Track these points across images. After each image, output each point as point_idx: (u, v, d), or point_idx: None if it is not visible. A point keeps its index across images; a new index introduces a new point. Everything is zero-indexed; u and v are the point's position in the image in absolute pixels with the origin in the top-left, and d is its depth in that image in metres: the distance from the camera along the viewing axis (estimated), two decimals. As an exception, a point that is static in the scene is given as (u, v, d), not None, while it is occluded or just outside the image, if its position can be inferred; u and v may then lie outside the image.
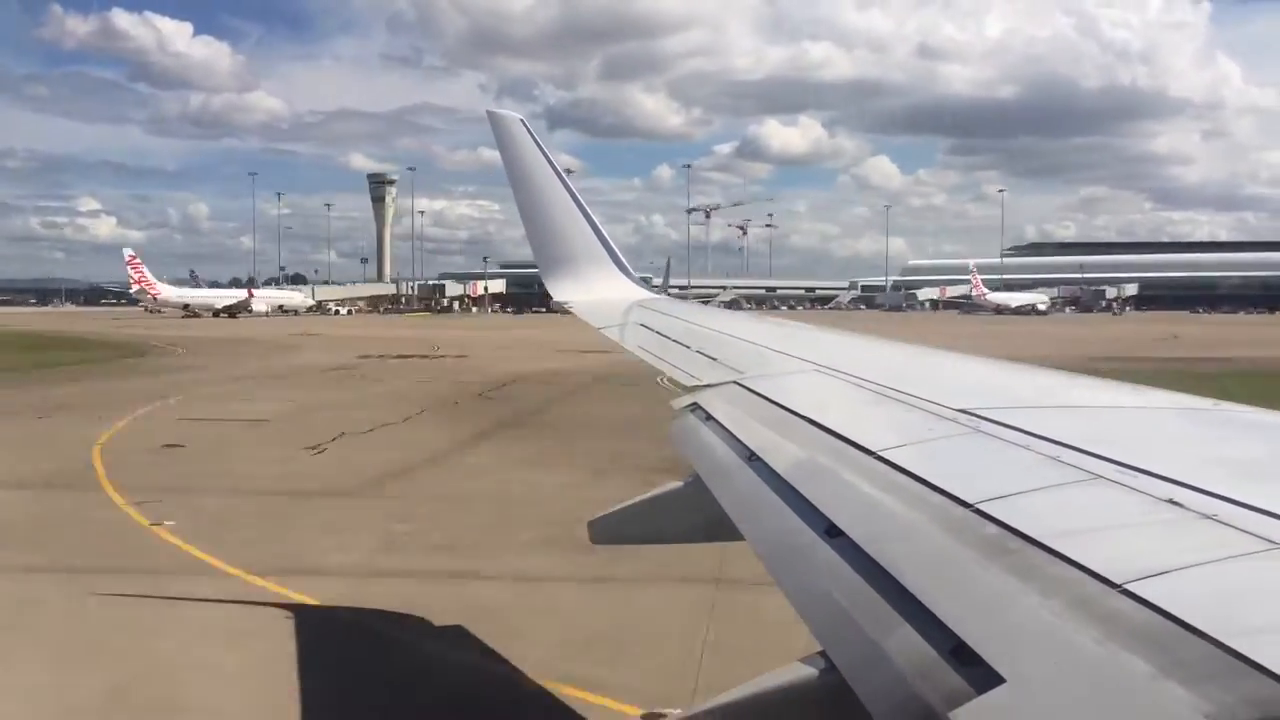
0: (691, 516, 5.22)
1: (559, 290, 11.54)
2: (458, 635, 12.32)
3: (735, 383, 5.96)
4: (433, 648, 12.33)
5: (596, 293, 11.30)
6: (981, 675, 2.03)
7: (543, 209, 11.65)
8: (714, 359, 7.01)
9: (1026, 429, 3.60)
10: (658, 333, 8.81)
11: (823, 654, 2.73)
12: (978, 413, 3.98)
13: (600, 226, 11.88)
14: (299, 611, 13.09)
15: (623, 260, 11.93)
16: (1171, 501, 2.64)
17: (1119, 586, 2.14)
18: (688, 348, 7.79)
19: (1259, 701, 1.64)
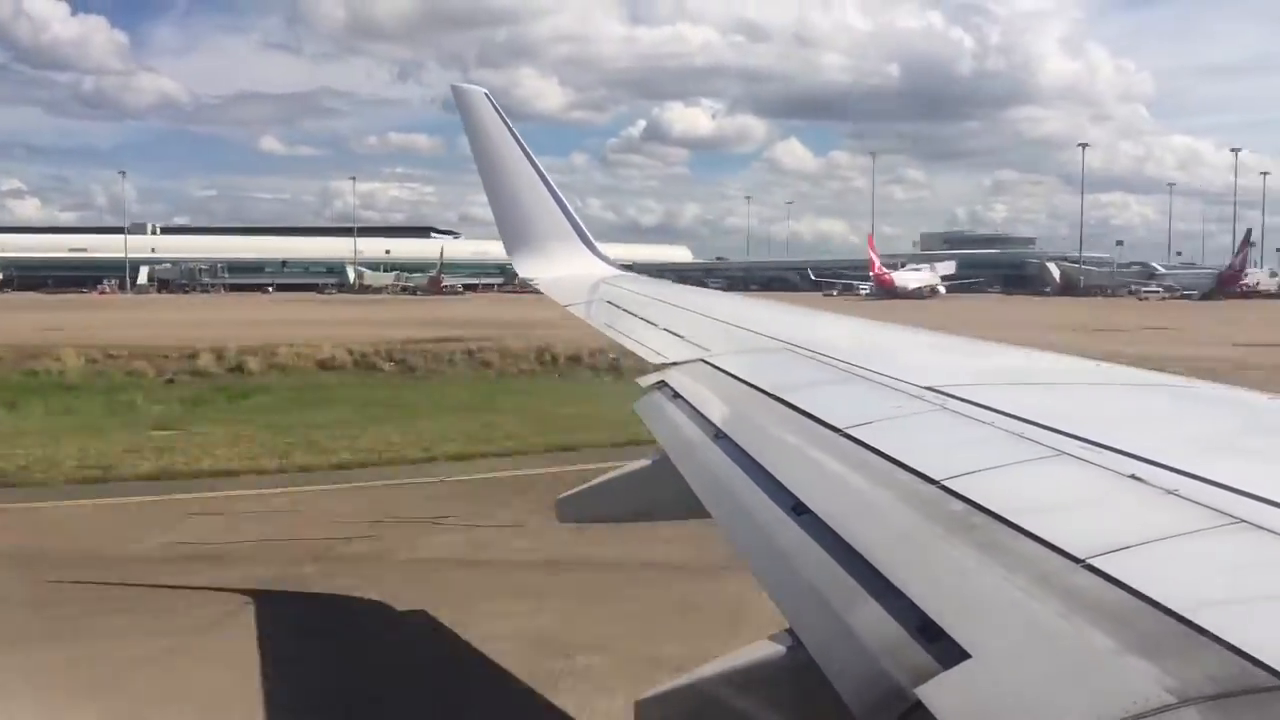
0: (659, 494, 5.22)
1: (525, 267, 11.46)
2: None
3: (702, 360, 5.96)
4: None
5: (563, 270, 11.24)
6: (947, 651, 2.04)
7: (508, 185, 11.55)
8: (681, 336, 7.00)
9: (992, 406, 3.63)
10: (625, 310, 8.79)
11: (790, 631, 2.74)
12: (944, 390, 4.00)
13: (567, 203, 11.80)
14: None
15: (590, 237, 11.87)
16: (1134, 477, 2.67)
17: (1082, 562, 2.16)
18: (655, 325, 7.78)
19: (1221, 676, 1.66)
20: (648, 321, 8.01)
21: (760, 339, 6.51)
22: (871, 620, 2.31)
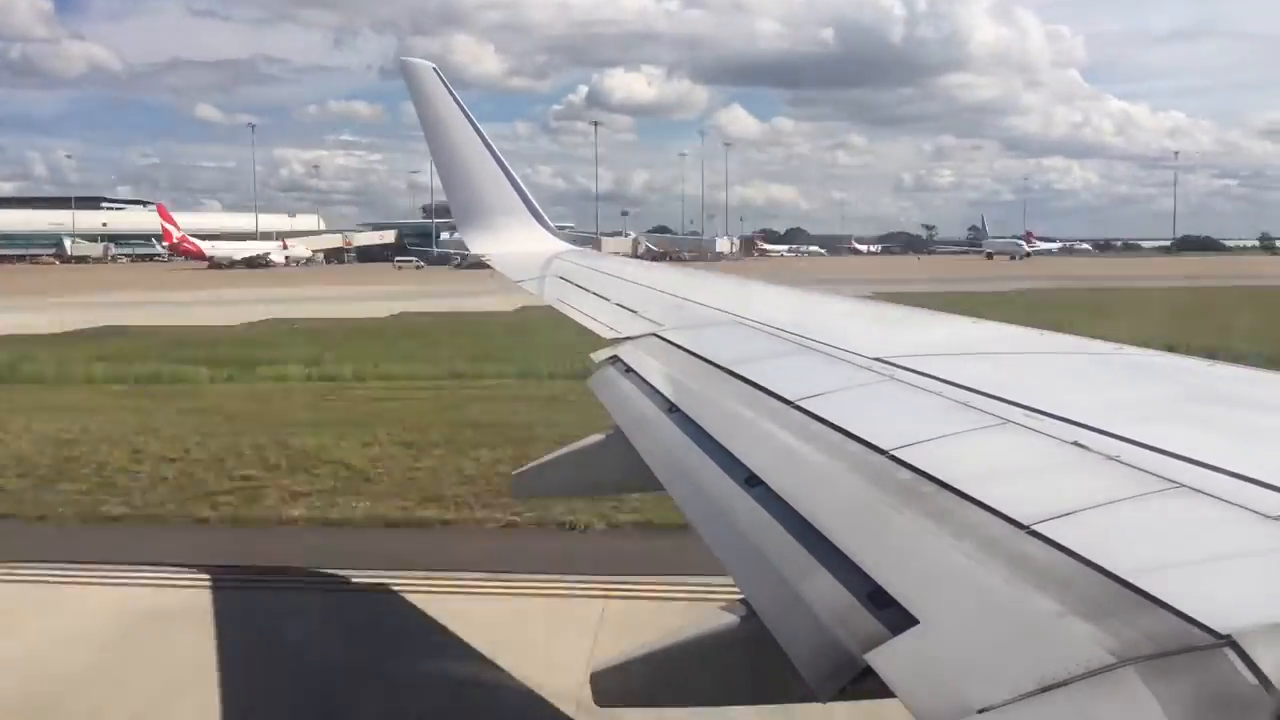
0: (613, 468, 5.23)
1: (476, 243, 11.37)
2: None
3: (654, 334, 5.96)
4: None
5: (514, 245, 11.17)
6: (897, 618, 2.08)
7: (458, 159, 11.44)
8: (633, 311, 7.00)
9: (939, 376, 3.67)
10: (577, 285, 8.76)
11: (744, 601, 2.77)
12: (892, 360, 4.04)
13: (517, 178, 11.71)
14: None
15: (541, 212, 11.79)
16: (1076, 444, 2.73)
17: (1027, 528, 2.20)
18: (606, 299, 7.76)
19: (1160, 636, 1.70)
20: (600, 296, 7.99)
21: (713, 313, 6.53)
22: (823, 589, 2.34)
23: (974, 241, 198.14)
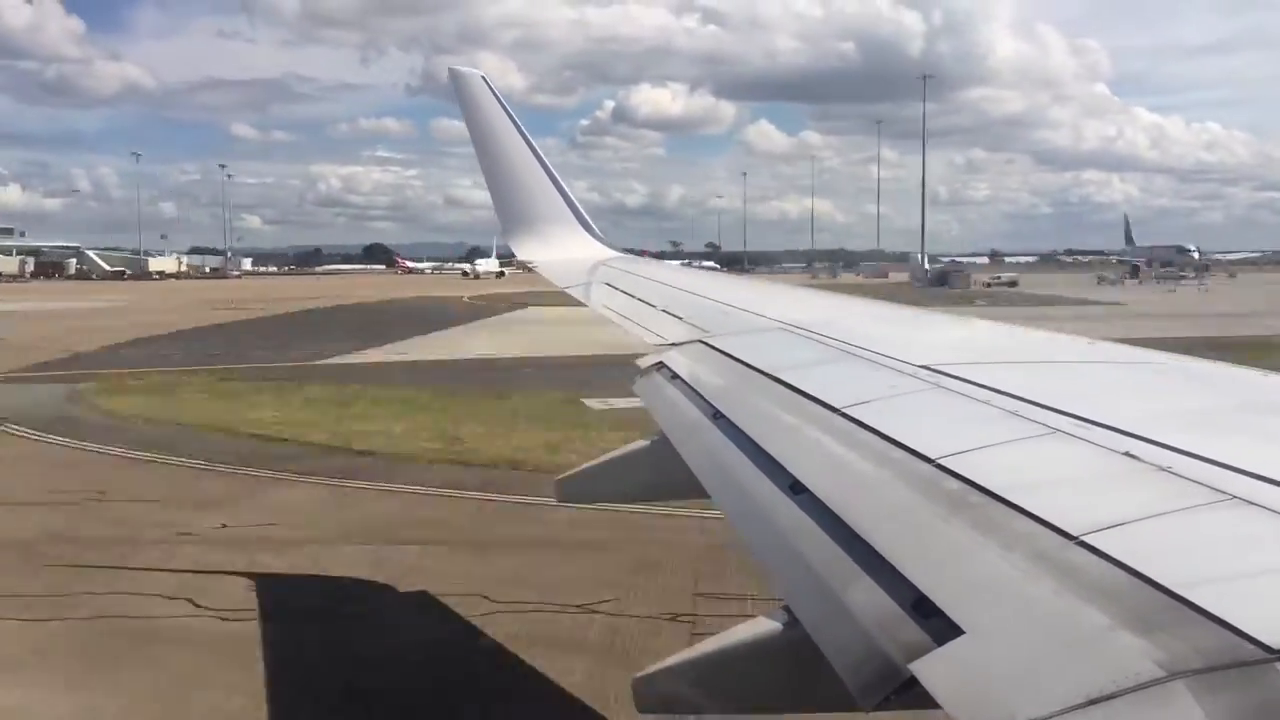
0: (658, 474, 5.25)
1: (523, 249, 11.46)
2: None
3: (701, 341, 5.97)
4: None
5: (561, 252, 11.24)
6: (942, 627, 2.06)
7: (506, 168, 11.53)
8: (680, 318, 7.01)
9: (986, 384, 3.64)
10: (623, 291, 8.79)
11: (786, 608, 2.77)
12: (939, 369, 4.01)
13: (565, 186, 11.78)
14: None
15: (588, 220, 11.85)
16: (1128, 454, 2.69)
17: (1076, 539, 2.18)
18: (653, 306, 7.79)
19: (1209, 650, 1.68)
20: (646, 303, 8.02)
21: (758, 319, 6.52)
22: (867, 597, 2.33)
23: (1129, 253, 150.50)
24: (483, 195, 11.81)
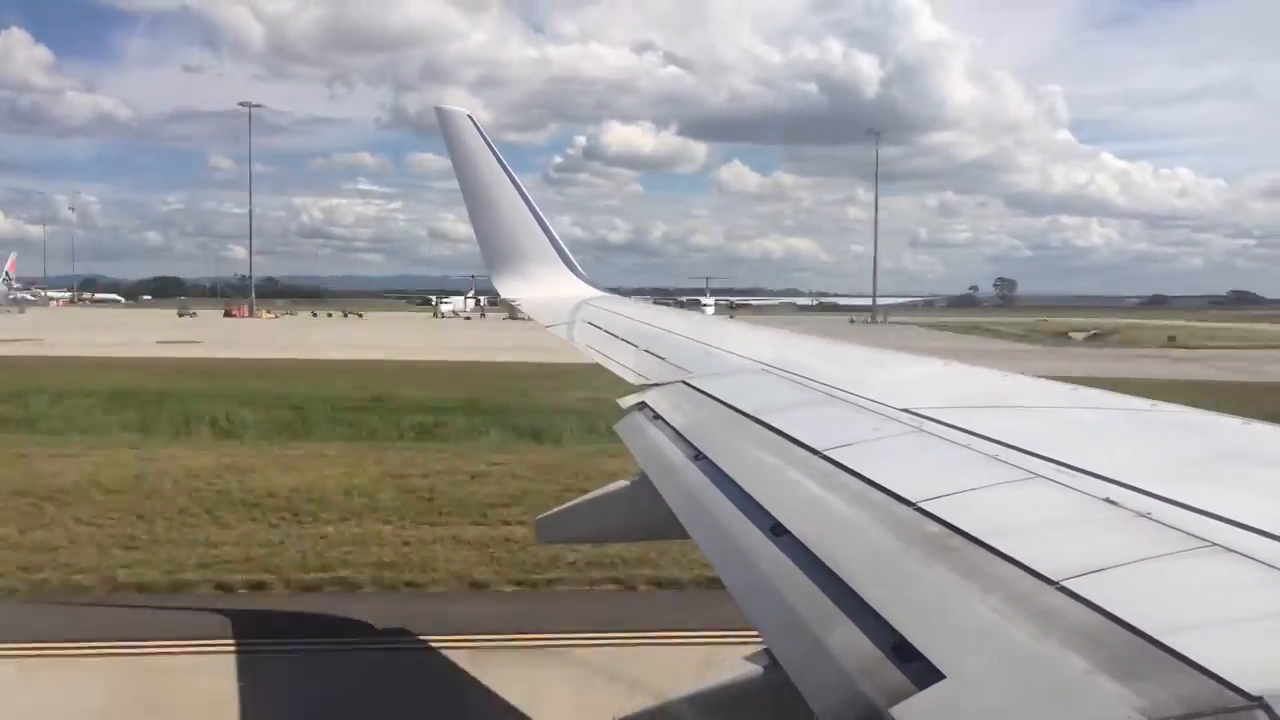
0: (638, 515, 5.23)
1: (507, 288, 11.47)
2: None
3: (683, 382, 5.97)
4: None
5: (545, 290, 11.25)
6: (922, 671, 2.05)
7: (490, 206, 11.57)
8: (662, 358, 7.01)
9: (967, 428, 3.65)
10: (606, 331, 8.80)
11: (767, 652, 2.75)
12: (920, 412, 4.02)
13: (549, 225, 11.82)
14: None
15: (571, 259, 11.88)
16: (1108, 500, 2.70)
17: (1056, 584, 2.18)
18: (636, 346, 7.79)
19: (1190, 697, 1.68)
20: (629, 343, 8.02)
21: (740, 360, 6.53)
22: (848, 641, 2.32)
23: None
24: (466, 229, 11.83)
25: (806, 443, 3.81)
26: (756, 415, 4.51)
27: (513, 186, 11.60)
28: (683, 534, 3.81)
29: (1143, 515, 2.55)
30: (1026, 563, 2.31)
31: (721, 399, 5.15)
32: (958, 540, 2.57)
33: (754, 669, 2.89)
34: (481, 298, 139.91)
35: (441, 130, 11.71)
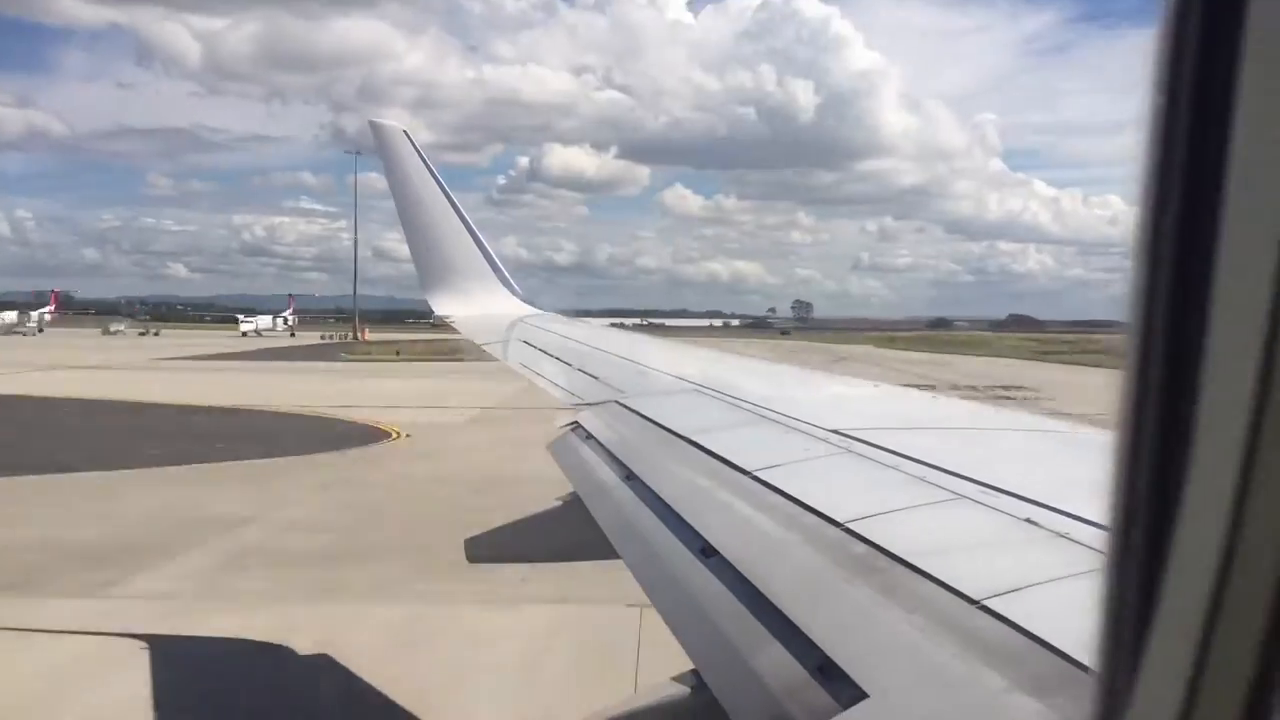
0: (569, 535, 5.20)
1: (441, 304, 11.38)
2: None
3: (616, 402, 5.97)
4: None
5: (479, 308, 11.19)
6: (846, 690, 2.07)
7: (425, 222, 11.48)
8: (595, 377, 7.01)
9: (895, 450, 3.70)
10: (540, 349, 8.77)
11: (695, 672, 2.75)
12: (850, 433, 4.07)
13: (484, 241, 11.77)
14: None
15: (507, 276, 11.84)
16: (1029, 521, 2.75)
17: (978, 603, 2.21)
18: (570, 365, 7.78)
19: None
20: (563, 361, 8.00)
21: (675, 381, 6.55)
22: (774, 661, 2.33)
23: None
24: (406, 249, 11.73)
25: (737, 463, 3.83)
26: (688, 435, 4.52)
27: (448, 203, 11.53)
28: (614, 554, 3.80)
29: (1062, 535, 2.60)
30: (949, 582, 2.34)
31: (654, 419, 5.16)
32: (883, 560, 2.59)
33: (681, 689, 2.89)
34: (291, 317, 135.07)
35: (376, 145, 11.62)
